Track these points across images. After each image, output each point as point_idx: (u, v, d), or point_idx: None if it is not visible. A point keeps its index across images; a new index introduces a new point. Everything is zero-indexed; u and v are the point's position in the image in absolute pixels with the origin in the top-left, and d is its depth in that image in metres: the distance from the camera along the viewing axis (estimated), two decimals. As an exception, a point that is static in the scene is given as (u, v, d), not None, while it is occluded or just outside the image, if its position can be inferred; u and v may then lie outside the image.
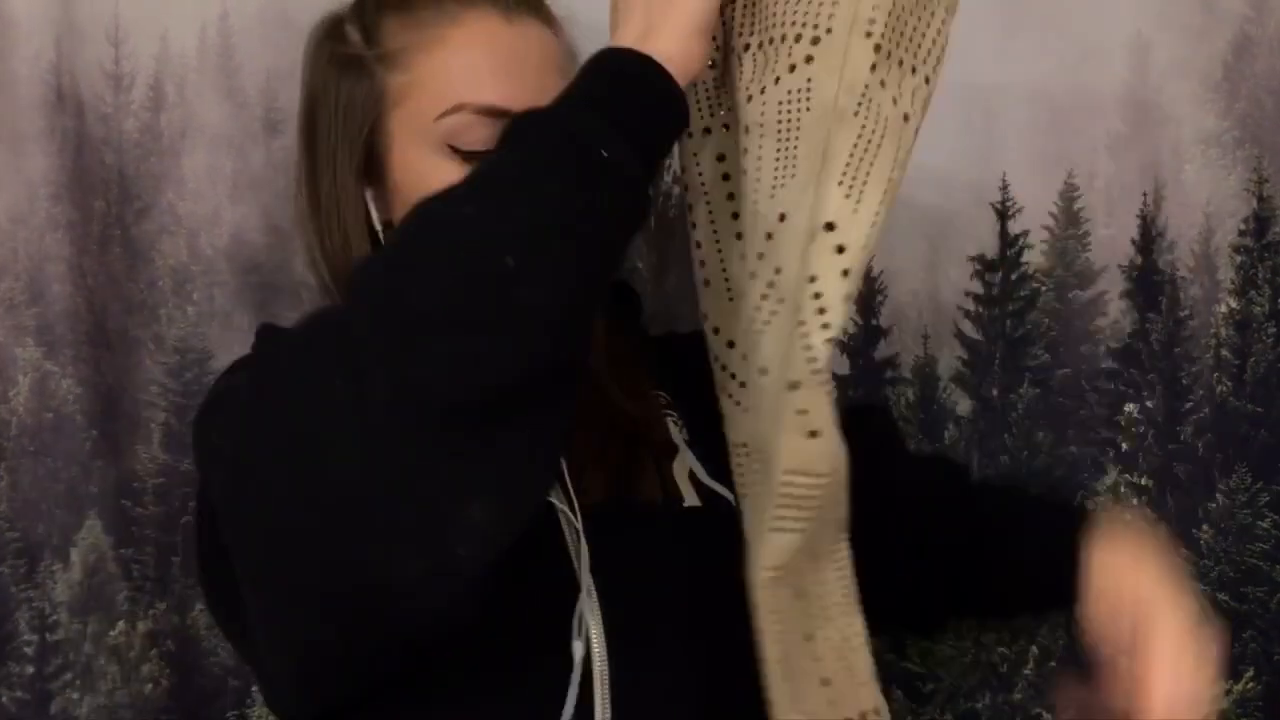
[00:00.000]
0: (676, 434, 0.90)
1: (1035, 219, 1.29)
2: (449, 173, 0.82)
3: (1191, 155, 1.28)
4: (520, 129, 0.70)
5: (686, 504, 0.86)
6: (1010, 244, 1.28)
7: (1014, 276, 1.29)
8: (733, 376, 0.81)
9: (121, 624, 1.31)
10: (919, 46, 0.70)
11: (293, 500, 0.64)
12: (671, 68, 0.71)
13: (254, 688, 1.31)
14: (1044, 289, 1.29)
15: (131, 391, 1.30)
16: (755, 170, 0.71)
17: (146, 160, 1.28)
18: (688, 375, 0.90)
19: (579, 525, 0.80)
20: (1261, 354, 1.29)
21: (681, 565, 0.84)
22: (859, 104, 0.68)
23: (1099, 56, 1.27)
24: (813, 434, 0.69)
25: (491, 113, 0.83)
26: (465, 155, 0.83)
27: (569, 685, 0.77)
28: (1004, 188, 1.28)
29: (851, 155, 0.67)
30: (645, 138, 0.70)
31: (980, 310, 1.29)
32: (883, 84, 0.69)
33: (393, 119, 0.86)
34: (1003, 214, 1.28)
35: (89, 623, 1.30)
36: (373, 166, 0.87)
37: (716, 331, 0.82)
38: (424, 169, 0.83)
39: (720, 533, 0.83)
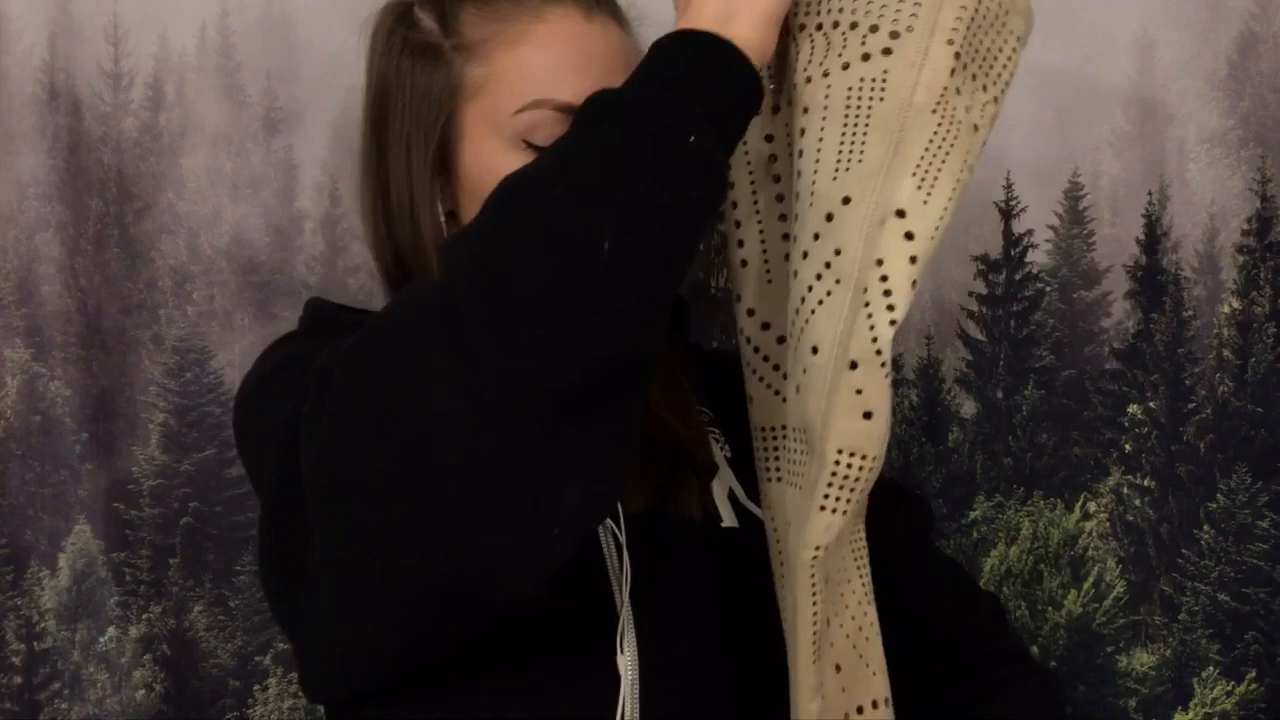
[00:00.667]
0: (718, 452, 0.90)
1: (1039, 218, 1.28)
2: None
3: (1196, 154, 1.28)
4: (601, 108, 0.70)
5: (725, 524, 0.85)
6: (1014, 243, 1.28)
7: (1018, 276, 1.28)
8: (765, 359, 0.81)
9: (112, 630, 1.29)
10: (990, 66, 0.73)
11: (395, 478, 0.65)
12: (750, 54, 0.72)
13: (255, 686, 1.30)
14: (1048, 289, 1.28)
15: (129, 392, 1.29)
16: (815, 151, 0.72)
17: (146, 160, 1.27)
18: (733, 394, 0.90)
19: (622, 537, 0.80)
20: (1262, 354, 1.28)
21: (716, 584, 0.83)
22: (936, 103, 0.69)
23: (1105, 54, 1.27)
24: (867, 415, 0.69)
25: (570, 110, 0.83)
26: (540, 151, 0.83)
27: (613, 698, 0.76)
28: (1008, 186, 1.27)
29: (926, 150, 0.69)
30: (728, 123, 0.70)
31: (984, 311, 1.28)
32: (958, 91, 0.70)
33: (468, 110, 0.86)
34: (1007, 213, 1.27)
35: (77, 630, 1.28)
36: (443, 157, 0.87)
37: (751, 313, 0.82)
38: (497, 163, 0.83)
39: (756, 556, 0.82)
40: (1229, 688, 1.26)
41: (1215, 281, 1.29)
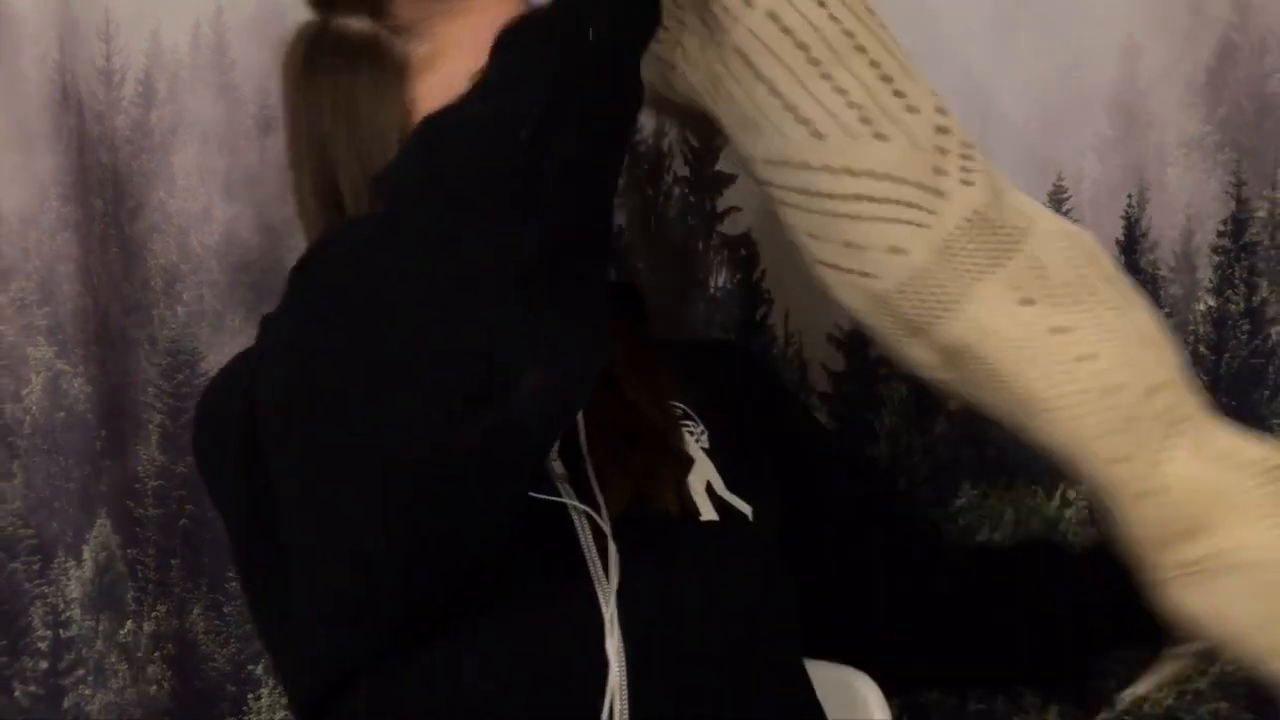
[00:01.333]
0: (693, 444, 0.91)
1: (1025, 220, 1.31)
2: None
3: (1174, 158, 1.31)
4: (509, 33, 0.73)
5: (704, 518, 0.87)
6: (1001, 244, 1.31)
7: (1004, 276, 1.31)
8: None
9: (129, 624, 1.31)
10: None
11: (353, 363, 0.67)
12: None
13: (249, 695, 1.32)
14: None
15: (133, 392, 1.30)
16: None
17: (138, 158, 1.27)
18: (713, 384, 0.91)
19: (607, 528, 0.81)
20: (1236, 350, 1.32)
21: (698, 579, 0.84)
22: None
23: (1091, 60, 1.30)
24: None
25: None
26: None
27: (600, 695, 0.78)
28: (996, 190, 1.30)
29: None
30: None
31: (972, 308, 1.31)
32: None
33: (419, 87, 0.88)
34: (994, 215, 1.30)
35: (100, 620, 1.30)
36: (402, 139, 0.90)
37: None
38: None
39: (736, 549, 0.84)
40: (1204, 667, 1.29)
41: (1191, 280, 1.32)
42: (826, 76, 0.78)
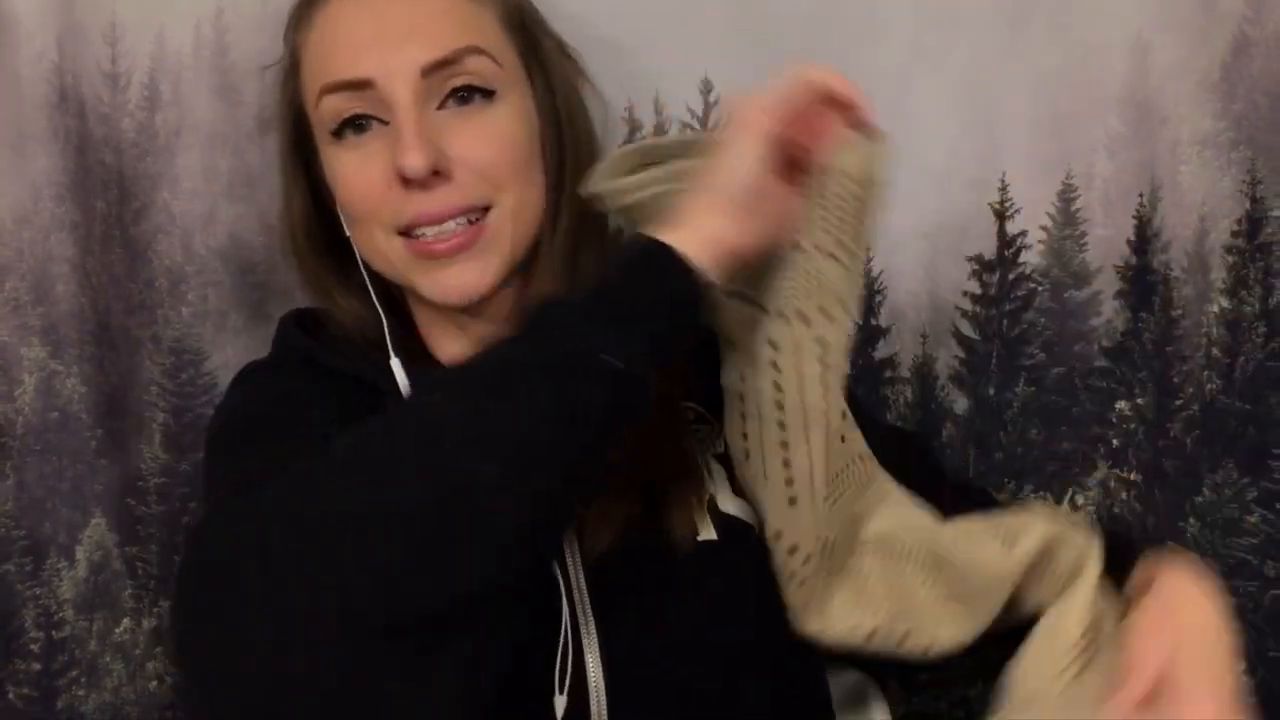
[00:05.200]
0: (704, 453, 0.88)
1: (1033, 219, 1.29)
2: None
3: (1188, 156, 1.29)
4: (530, 321, 0.68)
5: (701, 538, 0.84)
6: (1008, 244, 1.29)
7: (1011, 277, 1.30)
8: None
9: (127, 621, 1.31)
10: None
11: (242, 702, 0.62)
12: (695, 251, 0.69)
13: None
14: (1040, 289, 1.30)
15: (135, 391, 1.30)
16: None
17: (143, 160, 1.26)
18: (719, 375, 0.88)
19: (582, 583, 0.78)
20: (1251, 353, 1.30)
21: (686, 608, 0.82)
22: None
23: (1100, 57, 1.27)
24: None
25: (351, 85, 0.85)
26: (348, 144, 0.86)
27: None
28: (1003, 188, 1.29)
29: None
30: (652, 332, 0.67)
31: (978, 310, 1.30)
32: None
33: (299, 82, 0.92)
34: (1001, 215, 1.29)
35: (94, 620, 1.30)
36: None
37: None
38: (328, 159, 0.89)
39: (732, 567, 0.82)
40: None
41: (1204, 281, 1.30)
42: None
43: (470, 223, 0.85)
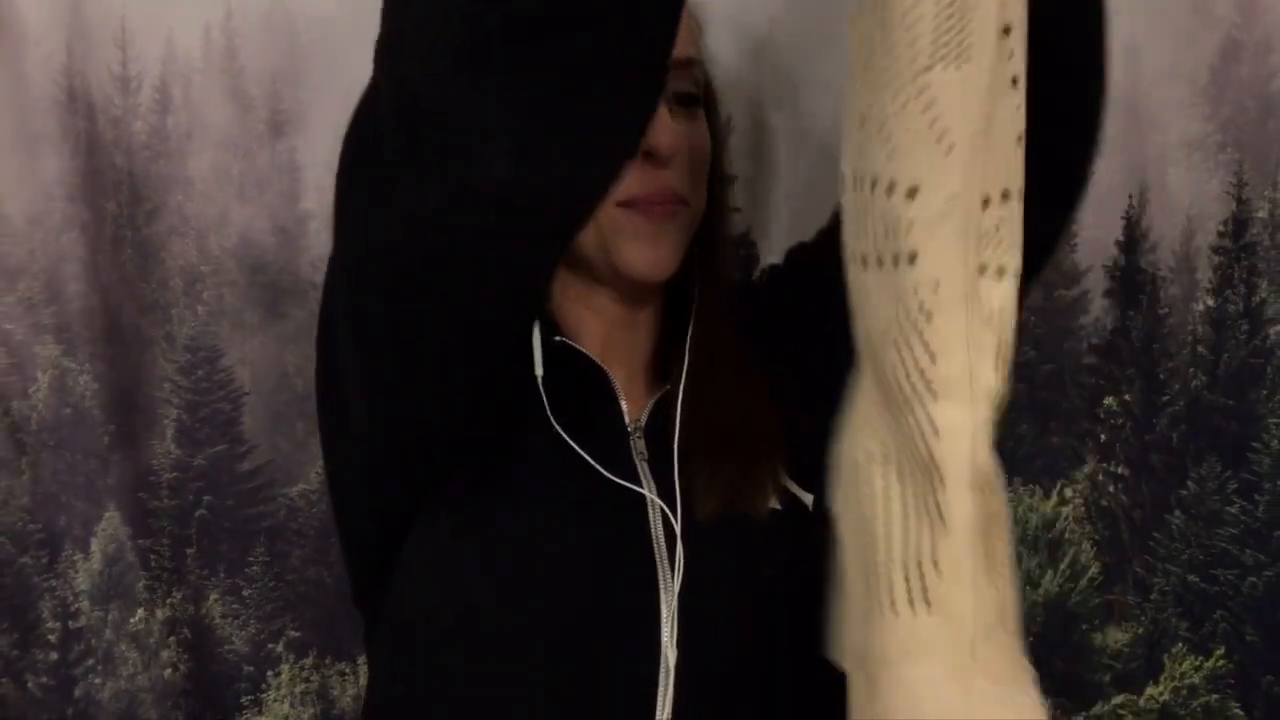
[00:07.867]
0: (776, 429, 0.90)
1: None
2: None
3: (1176, 159, 1.31)
4: None
5: (771, 505, 0.83)
6: (1000, 245, 1.31)
7: (1003, 276, 1.32)
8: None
9: (141, 612, 1.34)
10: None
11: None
12: None
13: (269, 672, 1.35)
14: (1032, 288, 1.32)
15: (146, 388, 1.32)
16: None
17: (155, 162, 1.29)
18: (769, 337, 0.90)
19: (678, 528, 0.80)
20: (1235, 350, 1.32)
21: (755, 572, 0.82)
22: None
23: (1092, 62, 1.29)
24: None
25: None
26: None
27: (655, 687, 0.77)
28: (996, 190, 1.30)
29: None
30: None
31: (970, 309, 1.32)
32: None
33: None
34: (994, 215, 1.31)
35: (110, 611, 1.33)
36: None
37: None
38: None
39: (794, 539, 0.84)
40: (1198, 663, 1.32)
41: (1191, 281, 1.33)
42: None
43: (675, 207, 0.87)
